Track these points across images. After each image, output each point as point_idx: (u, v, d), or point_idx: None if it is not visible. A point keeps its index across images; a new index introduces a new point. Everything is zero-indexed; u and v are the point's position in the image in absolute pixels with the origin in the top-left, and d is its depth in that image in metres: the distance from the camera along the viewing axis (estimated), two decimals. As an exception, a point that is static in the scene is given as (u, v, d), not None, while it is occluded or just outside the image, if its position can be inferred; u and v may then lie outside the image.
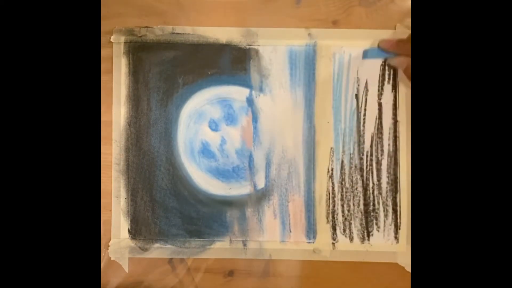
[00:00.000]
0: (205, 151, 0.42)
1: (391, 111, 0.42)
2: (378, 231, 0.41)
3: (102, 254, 0.41)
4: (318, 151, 0.42)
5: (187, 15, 0.42)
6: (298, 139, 0.42)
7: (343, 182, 0.41)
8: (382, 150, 0.41)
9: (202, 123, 0.42)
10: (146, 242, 0.41)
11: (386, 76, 0.42)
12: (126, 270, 0.41)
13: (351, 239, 0.41)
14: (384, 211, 0.41)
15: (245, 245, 0.41)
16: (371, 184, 0.41)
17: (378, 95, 0.42)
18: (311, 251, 0.41)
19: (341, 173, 0.42)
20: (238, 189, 0.42)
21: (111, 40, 0.42)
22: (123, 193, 0.42)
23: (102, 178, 0.41)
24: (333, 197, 0.41)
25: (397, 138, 0.41)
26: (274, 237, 0.41)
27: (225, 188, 0.42)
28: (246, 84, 0.42)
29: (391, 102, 0.42)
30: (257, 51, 0.42)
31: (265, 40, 0.42)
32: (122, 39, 0.42)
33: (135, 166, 0.42)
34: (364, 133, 0.42)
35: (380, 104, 0.42)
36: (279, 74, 0.42)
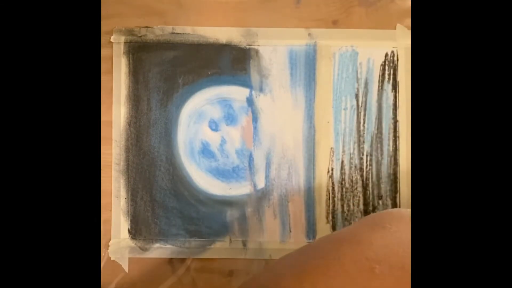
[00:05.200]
0: (205, 151, 0.42)
1: (391, 111, 0.42)
2: (378, 231, 0.41)
3: (102, 254, 0.41)
4: (318, 151, 0.42)
5: (187, 15, 0.42)
6: (298, 139, 0.42)
7: (343, 182, 0.41)
8: (382, 150, 0.41)
9: (202, 123, 0.42)
10: (146, 242, 0.41)
11: (386, 76, 0.42)
12: (126, 270, 0.41)
13: (351, 239, 0.41)
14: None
15: (245, 245, 0.41)
16: (370, 184, 0.41)
17: (378, 95, 0.42)
18: (311, 251, 0.41)
19: (341, 173, 0.42)
20: (238, 189, 0.42)
21: (111, 40, 0.42)
22: (123, 193, 0.42)
23: (102, 178, 0.41)
24: (333, 197, 0.41)
25: (397, 138, 0.41)
26: (274, 237, 0.41)
27: (225, 188, 0.42)
28: (246, 84, 0.42)
29: (391, 102, 0.42)
30: (257, 51, 0.42)
31: (265, 40, 0.42)
32: (122, 39, 0.42)
33: (135, 166, 0.42)
34: (364, 133, 0.42)
35: (380, 104, 0.42)
36: (279, 74, 0.42)
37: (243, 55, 0.42)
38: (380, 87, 0.42)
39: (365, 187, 0.41)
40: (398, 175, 0.41)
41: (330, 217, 0.41)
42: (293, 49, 0.42)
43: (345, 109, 0.42)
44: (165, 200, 0.41)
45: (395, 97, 0.42)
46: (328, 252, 0.25)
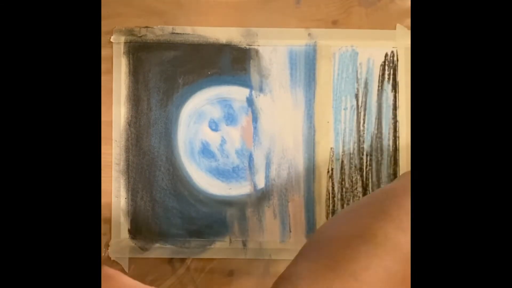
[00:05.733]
0: (205, 151, 0.42)
1: (391, 111, 0.42)
2: (378, 231, 0.41)
3: (102, 254, 0.41)
4: (318, 151, 0.42)
5: (187, 15, 0.42)
6: (298, 139, 0.42)
7: (343, 182, 0.41)
8: (382, 150, 0.42)
9: (202, 123, 0.42)
10: (146, 242, 0.41)
11: (386, 76, 0.42)
12: (126, 270, 0.41)
13: (351, 239, 0.41)
14: (384, 211, 0.41)
15: (245, 245, 0.41)
16: (371, 184, 0.41)
17: (378, 95, 0.42)
18: (311, 251, 0.41)
19: (341, 173, 0.42)
20: (238, 189, 0.42)
21: (111, 40, 0.42)
22: (123, 193, 0.42)
23: (102, 178, 0.41)
24: (333, 197, 0.41)
25: (397, 138, 0.41)
26: (274, 237, 0.41)
27: (225, 188, 0.42)
28: (246, 84, 0.42)
29: (391, 102, 0.42)
30: (257, 51, 0.42)
31: (265, 40, 0.42)
32: (122, 39, 0.42)
33: (135, 166, 0.42)
34: (364, 133, 0.42)
35: (380, 104, 0.42)
36: (279, 74, 0.42)
37: (243, 55, 0.42)
38: (380, 87, 0.42)
39: (365, 187, 0.41)
40: (398, 175, 0.41)
41: (330, 217, 0.41)
42: (293, 49, 0.42)
43: (345, 109, 0.42)
44: (165, 200, 0.41)
45: (395, 97, 0.42)
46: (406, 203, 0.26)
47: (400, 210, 0.25)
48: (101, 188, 0.41)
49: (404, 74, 0.42)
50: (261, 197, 0.42)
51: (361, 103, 0.42)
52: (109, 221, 0.41)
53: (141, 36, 0.42)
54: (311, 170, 0.42)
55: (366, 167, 0.42)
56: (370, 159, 0.42)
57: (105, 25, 0.42)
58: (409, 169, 0.41)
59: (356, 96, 0.42)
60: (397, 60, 0.42)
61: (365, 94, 0.42)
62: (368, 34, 0.42)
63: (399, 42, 0.42)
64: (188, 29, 0.42)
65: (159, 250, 0.41)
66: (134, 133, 0.42)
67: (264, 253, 0.41)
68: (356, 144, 0.42)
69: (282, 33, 0.42)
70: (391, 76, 0.42)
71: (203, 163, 0.42)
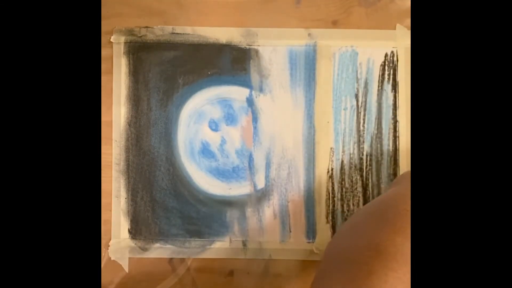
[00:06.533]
0: (205, 151, 0.42)
1: (391, 111, 0.42)
2: (378, 231, 0.41)
3: (102, 254, 0.41)
4: (318, 151, 0.42)
5: (187, 15, 0.42)
6: (298, 139, 0.42)
7: (343, 182, 0.41)
8: (382, 150, 0.42)
9: (202, 123, 0.42)
10: (146, 242, 0.41)
11: (386, 76, 0.42)
12: (126, 270, 0.41)
13: (351, 239, 0.41)
14: (384, 211, 0.41)
15: (245, 245, 0.41)
16: (370, 184, 0.41)
17: (378, 95, 0.42)
18: (311, 251, 0.41)
19: (340, 173, 0.42)
20: (238, 189, 0.42)
21: (111, 40, 0.42)
22: (123, 193, 0.42)
23: (102, 178, 0.41)
24: (333, 197, 0.41)
25: (397, 138, 0.41)
26: (274, 237, 0.41)
27: (225, 188, 0.42)
28: (246, 84, 0.42)
29: (391, 102, 0.42)
30: (257, 51, 0.42)
31: (265, 40, 0.42)
32: (122, 39, 0.42)
33: (135, 166, 0.42)
34: (364, 133, 0.42)
35: (380, 104, 0.42)
36: (279, 74, 0.42)
37: (243, 55, 0.42)
38: (380, 87, 0.42)
39: (365, 187, 0.41)
40: (398, 175, 0.41)
41: (330, 217, 0.41)
42: (293, 49, 0.42)
43: (345, 109, 0.42)
44: (165, 200, 0.41)
45: (395, 97, 0.42)
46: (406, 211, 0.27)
47: (402, 218, 0.26)
48: (101, 188, 0.41)
49: (404, 74, 0.42)
50: (261, 197, 0.42)
51: (361, 103, 0.42)
52: (109, 221, 0.41)
53: (141, 36, 0.42)
54: (311, 170, 0.42)
55: (366, 167, 0.42)
56: (370, 159, 0.42)
57: (105, 25, 0.42)
58: (409, 169, 0.41)
59: (356, 96, 0.42)
60: (397, 60, 0.42)
61: (365, 94, 0.42)
62: (368, 34, 0.42)
63: (399, 42, 0.42)
64: (188, 29, 0.42)
65: (159, 250, 0.41)
66: (134, 133, 0.42)
67: (264, 253, 0.41)
68: (356, 144, 0.42)
69: (282, 33, 0.42)
70: (391, 76, 0.42)
71: (203, 163, 0.42)
